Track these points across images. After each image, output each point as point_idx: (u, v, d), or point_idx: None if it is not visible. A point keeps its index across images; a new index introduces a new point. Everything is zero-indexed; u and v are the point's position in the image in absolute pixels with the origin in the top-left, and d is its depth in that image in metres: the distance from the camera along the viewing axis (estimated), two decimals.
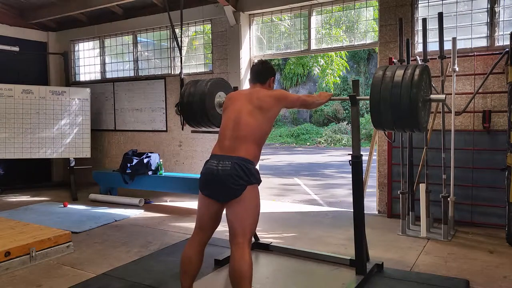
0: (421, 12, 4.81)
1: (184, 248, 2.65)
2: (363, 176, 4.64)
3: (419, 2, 4.82)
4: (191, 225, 4.82)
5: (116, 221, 5.02)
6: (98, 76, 7.76)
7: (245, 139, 2.56)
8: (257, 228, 3.10)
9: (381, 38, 5.00)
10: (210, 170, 2.53)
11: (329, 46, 5.90)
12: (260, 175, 2.60)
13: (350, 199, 3.07)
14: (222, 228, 4.70)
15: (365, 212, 3.10)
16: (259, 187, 2.59)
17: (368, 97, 2.70)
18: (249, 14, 6.11)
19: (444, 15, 4.17)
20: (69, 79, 7.74)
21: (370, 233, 3.75)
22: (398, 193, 4.39)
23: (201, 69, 6.57)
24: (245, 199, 2.47)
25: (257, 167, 2.66)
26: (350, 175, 3.04)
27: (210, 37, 6.39)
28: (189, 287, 2.60)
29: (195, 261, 2.59)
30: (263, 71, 2.84)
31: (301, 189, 7.97)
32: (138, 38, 7.22)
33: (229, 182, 2.45)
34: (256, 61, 3.02)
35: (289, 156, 14.59)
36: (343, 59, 15.09)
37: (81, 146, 6.92)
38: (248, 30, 6.17)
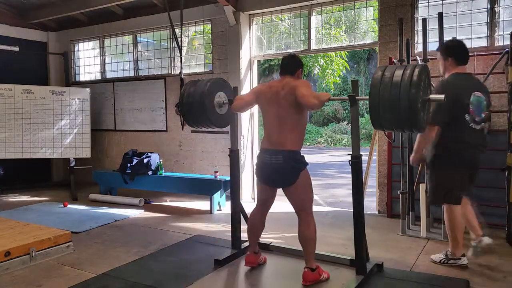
0: (421, 12, 4.81)
1: (249, 217, 3.35)
2: (363, 176, 4.64)
3: (419, 2, 4.82)
4: (191, 225, 4.85)
5: (116, 221, 5.02)
6: (98, 76, 7.76)
7: (289, 132, 2.96)
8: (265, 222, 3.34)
9: (381, 38, 5.00)
10: (266, 165, 3.02)
11: (329, 46, 5.90)
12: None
13: (350, 199, 3.07)
14: (222, 229, 4.72)
15: (365, 212, 3.10)
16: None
17: (368, 97, 2.70)
18: (249, 14, 6.10)
19: (444, 15, 4.16)
20: (69, 79, 7.74)
21: (370, 233, 3.75)
22: (398, 193, 4.39)
23: (201, 69, 6.56)
24: (299, 183, 2.96)
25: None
26: (350, 175, 3.03)
27: (210, 37, 6.39)
28: (255, 242, 3.33)
29: (259, 225, 3.31)
30: (293, 63, 3.12)
31: None
32: (138, 38, 7.22)
33: (284, 174, 2.95)
34: (287, 55, 3.24)
35: None
36: (343, 59, 15.08)
37: (81, 146, 6.92)
38: (248, 30, 6.16)
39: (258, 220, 3.29)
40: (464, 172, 3.32)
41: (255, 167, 3.20)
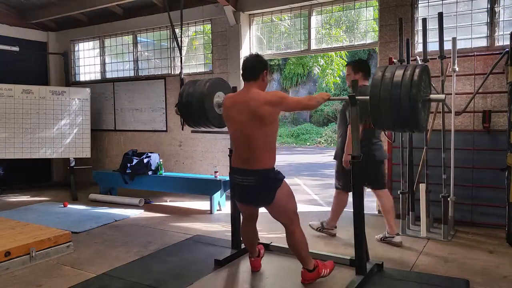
0: (421, 12, 4.80)
1: (241, 230, 3.25)
2: None
3: (419, 2, 4.82)
4: (191, 225, 4.84)
5: (116, 221, 5.02)
6: (98, 76, 7.76)
7: (257, 149, 2.75)
8: (257, 228, 3.24)
9: (381, 38, 5.00)
10: (238, 186, 2.86)
11: (329, 46, 5.90)
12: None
13: (350, 199, 3.07)
14: (222, 228, 4.72)
15: (365, 212, 3.10)
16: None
17: (368, 97, 2.70)
18: (249, 14, 6.10)
19: (444, 15, 4.16)
20: (69, 79, 7.74)
21: (370, 233, 3.75)
22: (398, 193, 4.39)
23: (201, 69, 6.56)
24: (277, 200, 2.80)
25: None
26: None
27: (210, 37, 6.39)
28: (254, 249, 3.25)
29: (251, 235, 3.20)
30: (254, 67, 2.86)
31: (301, 189, 7.96)
32: (138, 38, 7.22)
33: (259, 195, 2.81)
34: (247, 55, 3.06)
35: (289, 156, 14.58)
36: (343, 59, 15.09)
37: (81, 146, 6.92)
38: (248, 30, 6.16)
39: (249, 232, 3.19)
40: (376, 163, 4.00)
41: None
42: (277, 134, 2.87)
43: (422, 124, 2.64)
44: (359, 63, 4.09)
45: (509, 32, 4.06)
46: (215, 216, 5.30)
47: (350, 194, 3.98)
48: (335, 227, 4.29)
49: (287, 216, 2.89)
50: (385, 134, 4.71)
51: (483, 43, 4.54)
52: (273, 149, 2.82)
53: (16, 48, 6.77)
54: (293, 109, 3.02)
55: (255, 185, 2.76)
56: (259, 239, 3.41)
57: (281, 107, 2.77)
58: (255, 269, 3.30)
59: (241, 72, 2.94)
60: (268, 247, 3.70)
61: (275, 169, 2.84)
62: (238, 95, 2.96)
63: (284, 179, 2.86)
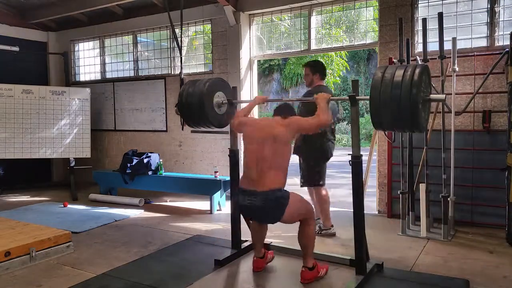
0: (421, 12, 4.80)
1: (251, 224, 3.34)
2: (363, 176, 4.64)
3: (419, 2, 4.81)
4: (191, 225, 4.85)
5: (116, 221, 5.02)
6: (98, 76, 7.76)
7: (269, 169, 2.88)
8: (266, 229, 3.35)
9: (381, 38, 5.00)
10: (247, 208, 2.97)
11: (329, 46, 5.89)
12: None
13: (350, 199, 3.08)
14: (223, 228, 4.71)
15: (365, 212, 3.10)
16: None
17: (368, 97, 2.70)
18: (249, 14, 6.10)
19: (444, 15, 4.16)
20: (69, 79, 7.74)
21: (370, 233, 3.75)
22: (398, 193, 4.39)
23: (201, 69, 6.56)
24: (287, 215, 2.92)
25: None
26: (350, 175, 3.04)
27: (210, 37, 6.39)
28: (260, 248, 3.31)
29: (258, 236, 3.28)
30: (286, 110, 3.17)
31: (302, 189, 7.94)
32: (138, 38, 7.21)
33: (267, 214, 2.95)
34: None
35: None
36: (343, 59, 15.09)
37: (81, 146, 6.92)
38: (248, 30, 6.16)
39: (256, 232, 3.28)
40: (326, 161, 4.27)
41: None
42: (290, 156, 3.00)
43: (422, 124, 2.64)
44: (316, 64, 4.33)
45: (509, 32, 4.06)
46: (215, 216, 5.30)
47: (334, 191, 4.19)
48: (332, 226, 4.33)
49: (301, 217, 3.05)
50: (385, 134, 4.73)
51: (483, 43, 4.53)
52: (285, 169, 2.96)
53: (16, 48, 6.76)
54: (307, 128, 3.10)
55: (261, 206, 2.86)
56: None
57: (293, 125, 2.98)
58: (256, 269, 3.30)
59: (274, 111, 3.25)
60: (268, 247, 3.70)
61: (282, 189, 2.91)
62: (260, 120, 3.34)
63: (289, 194, 2.94)
